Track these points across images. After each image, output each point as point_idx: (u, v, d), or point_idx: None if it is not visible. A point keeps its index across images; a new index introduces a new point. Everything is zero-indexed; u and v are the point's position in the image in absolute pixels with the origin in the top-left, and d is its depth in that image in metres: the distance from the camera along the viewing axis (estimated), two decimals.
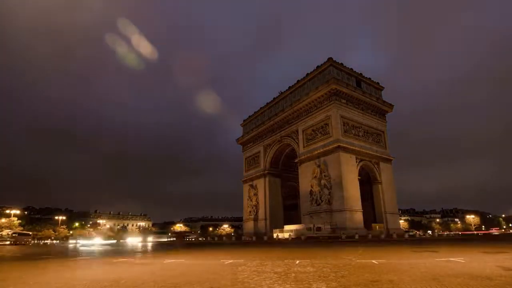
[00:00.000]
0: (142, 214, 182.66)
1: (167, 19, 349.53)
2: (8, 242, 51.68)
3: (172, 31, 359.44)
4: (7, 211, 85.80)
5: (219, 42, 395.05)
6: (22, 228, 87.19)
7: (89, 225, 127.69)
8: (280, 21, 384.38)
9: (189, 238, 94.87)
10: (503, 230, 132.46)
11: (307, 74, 68.58)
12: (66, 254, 25.50)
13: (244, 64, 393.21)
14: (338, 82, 60.65)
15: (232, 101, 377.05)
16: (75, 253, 26.22)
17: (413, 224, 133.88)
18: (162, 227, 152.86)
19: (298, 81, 71.58)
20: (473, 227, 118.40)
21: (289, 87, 74.33)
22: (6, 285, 8.51)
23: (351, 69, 66.16)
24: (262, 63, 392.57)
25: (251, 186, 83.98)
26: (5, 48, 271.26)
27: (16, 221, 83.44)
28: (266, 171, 79.89)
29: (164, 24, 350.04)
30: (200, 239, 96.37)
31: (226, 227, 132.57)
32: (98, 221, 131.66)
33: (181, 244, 52.25)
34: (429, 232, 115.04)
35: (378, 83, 71.61)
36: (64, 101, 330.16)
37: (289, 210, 79.65)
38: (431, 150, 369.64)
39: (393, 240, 45.59)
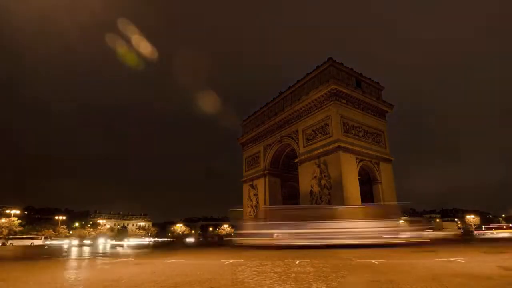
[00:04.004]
0: (142, 214, 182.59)
1: (167, 16, 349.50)
2: None
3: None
4: (7, 211, 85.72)
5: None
6: (22, 228, 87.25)
7: (89, 225, 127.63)
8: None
9: None
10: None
11: (307, 74, 68.64)
12: None
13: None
14: (338, 82, 60.68)
15: (232, 100, 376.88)
16: None
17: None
18: (162, 227, 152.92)
19: (298, 81, 71.64)
20: (473, 227, 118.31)
21: (289, 87, 74.37)
22: (6, 285, 8.51)
23: (351, 69, 66.20)
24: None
25: (251, 186, 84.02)
26: (5, 48, 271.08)
27: (16, 221, 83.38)
28: (266, 171, 79.91)
29: (164, 22, 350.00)
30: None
31: (226, 227, 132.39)
32: (98, 221, 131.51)
33: None
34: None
35: (378, 83, 71.66)
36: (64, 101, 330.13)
37: None
38: (431, 149, 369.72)
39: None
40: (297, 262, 12.79)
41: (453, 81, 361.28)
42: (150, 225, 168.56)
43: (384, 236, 26.76)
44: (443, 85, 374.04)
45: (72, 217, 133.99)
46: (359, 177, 60.46)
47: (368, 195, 63.37)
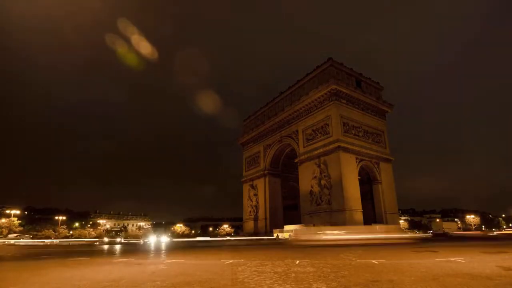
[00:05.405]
0: (143, 214, 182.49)
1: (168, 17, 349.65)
2: None
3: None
4: (7, 211, 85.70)
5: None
6: (22, 228, 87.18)
7: (89, 225, 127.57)
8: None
9: None
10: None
11: (307, 74, 68.61)
12: None
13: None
14: (338, 82, 60.65)
15: (232, 100, 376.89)
16: None
17: (413, 224, 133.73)
18: (162, 227, 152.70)
19: (298, 81, 71.58)
20: (473, 227, 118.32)
21: (289, 87, 74.32)
22: (6, 284, 8.51)
23: (351, 69, 66.17)
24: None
25: (251, 186, 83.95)
26: (5, 48, 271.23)
27: (16, 221, 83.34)
28: (266, 171, 79.85)
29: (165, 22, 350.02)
30: None
31: (226, 227, 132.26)
32: (98, 221, 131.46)
33: None
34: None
35: (378, 82, 71.62)
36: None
37: (289, 210, 79.61)
38: (431, 149, 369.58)
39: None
40: (297, 262, 12.78)
41: (452, 82, 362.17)
42: (150, 225, 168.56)
43: None
44: (442, 86, 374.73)
45: (72, 217, 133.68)
46: (359, 177, 60.47)
47: (368, 195, 63.38)
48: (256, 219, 79.66)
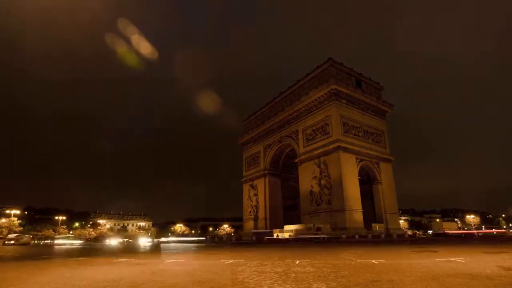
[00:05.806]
0: (143, 214, 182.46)
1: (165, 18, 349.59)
2: None
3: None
4: (7, 211, 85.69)
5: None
6: (22, 228, 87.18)
7: (89, 225, 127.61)
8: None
9: None
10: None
11: (307, 74, 68.61)
12: None
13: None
14: (338, 82, 60.65)
15: (232, 100, 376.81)
16: None
17: (413, 224, 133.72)
18: (162, 227, 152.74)
19: (298, 81, 71.59)
20: (473, 227, 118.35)
21: (289, 87, 74.32)
22: (6, 285, 8.51)
23: (351, 69, 66.17)
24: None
25: (251, 186, 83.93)
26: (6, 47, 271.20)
27: (16, 221, 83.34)
28: (266, 171, 79.82)
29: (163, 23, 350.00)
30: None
31: (226, 227, 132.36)
32: (98, 221, 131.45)
33: None
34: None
35: (378, 82, 71.64)
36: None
37: (289, 210, 79.61)
38: (431, 149, 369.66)
39: (393, 240, 45.58)
40: (297, 262, 12.78)
41: (453, 84, 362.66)
42: (150, 225, 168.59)
43: None
44: (442, 88, 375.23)
45: (72, 217, 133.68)
46: (359, 177, 60.47)
47: (368, 195, 63.38)
48: (256, 219, 79.64)
